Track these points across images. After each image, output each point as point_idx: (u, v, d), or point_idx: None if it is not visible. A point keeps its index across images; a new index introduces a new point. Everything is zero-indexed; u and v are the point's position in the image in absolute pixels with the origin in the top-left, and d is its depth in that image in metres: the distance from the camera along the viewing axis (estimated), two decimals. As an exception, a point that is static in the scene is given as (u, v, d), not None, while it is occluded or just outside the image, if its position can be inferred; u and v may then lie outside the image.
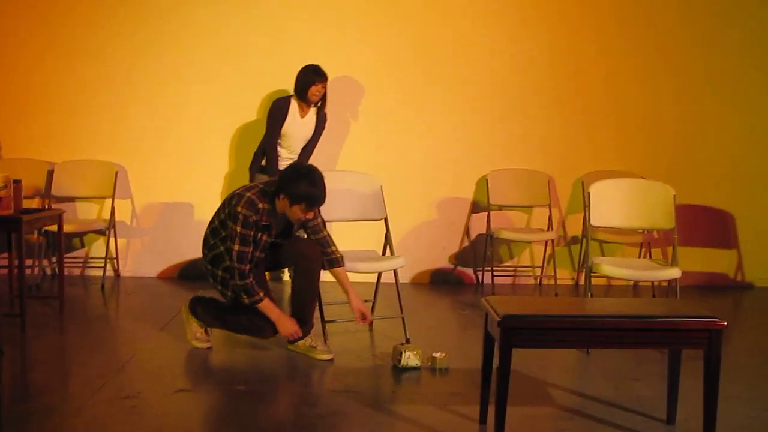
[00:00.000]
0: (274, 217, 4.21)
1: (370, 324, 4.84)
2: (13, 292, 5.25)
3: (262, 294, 4.19)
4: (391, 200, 5.35)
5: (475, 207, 6.76)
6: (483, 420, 3.38)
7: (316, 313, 4.51)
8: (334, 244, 4.42)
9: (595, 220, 4.82)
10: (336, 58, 6.33)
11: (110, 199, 6.42)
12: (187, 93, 6.54)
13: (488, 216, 6.56)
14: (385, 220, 5.10)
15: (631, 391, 3.90)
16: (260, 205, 4.12)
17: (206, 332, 4.51)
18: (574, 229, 6.82)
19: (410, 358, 4.17)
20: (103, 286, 6.24)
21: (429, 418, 3.45)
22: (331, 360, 4.30)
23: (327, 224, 4.48)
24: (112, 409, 3.47)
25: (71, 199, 6.59)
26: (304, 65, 5.87)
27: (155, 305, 5.67)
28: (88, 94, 6.54)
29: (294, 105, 5.93)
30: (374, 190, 5.11)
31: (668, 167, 6.60)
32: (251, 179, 6.02)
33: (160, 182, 6.62)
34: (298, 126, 5.96)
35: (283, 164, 5.98)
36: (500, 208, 6.72)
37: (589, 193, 4.82)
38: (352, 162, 6.56)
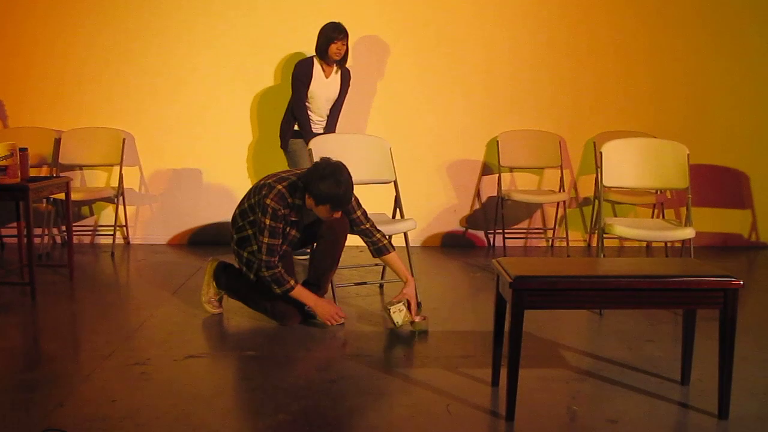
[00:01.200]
0: (303, 212, 4.14)
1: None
2: (23, 260, 5.25)
3: (292, 282, 4.10)
4: (401, 163, 5.30)
5: (486, 169, 6.71)
6: (495, 382, 3.36)
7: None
8: (378, 232, 4.32)
9: (608, 180, 4.75)
10: (345, 21, 6.23)
11: (118, 167, 6.40)
12: (193, 58, 6.48)
13: (499, 178, 6.50)
14: (395, 182, 5.05)
15: (644, 352, 3.86)
16: (290, 200, 4.03)
17: (221, 300, 4.49)
18: (586, 190, 6.76)
19: (396, 313, 4.12)
20: (112, 254, 6.24)
21: (441, 381, 3.42)
22: (342, 324, 4.27)
23: None
24: (121, 376, 3.46)
25: (79, 167, 6.56)
26: (324, 23, 5.78)
27: (165, 272, 5.65)
28: (94, 61, 6.49)
29: (317, 66, 5.83)
30: (383, 153, 5.05)
31: (681, 127, 6.53)
32: (284, 146, 5.94)
33: (168, 148, 6.58)
34: (323, 87, 5.87)
35: (313, 128, 5.90)
36: (511, 169, 6.67)
37: (601, 153, 4.74)
38: (361, 125, 6.52)
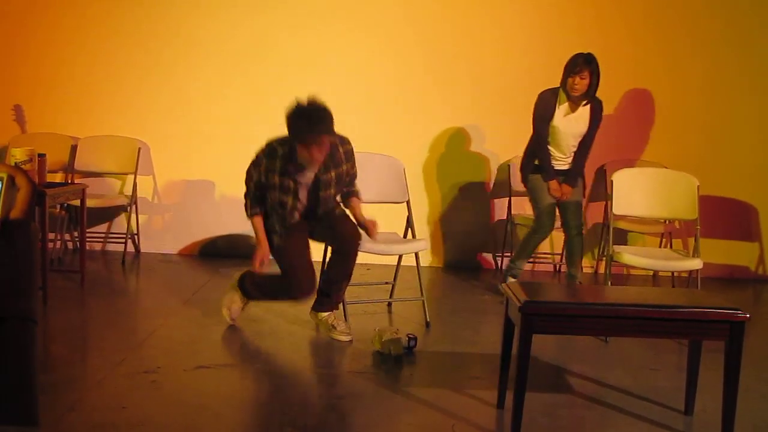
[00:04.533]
0: (296, 164, 4.21)
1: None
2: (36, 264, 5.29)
3: (257, 209, 4.29)
4: (414, 183, 5.33)
5: (497, 192, 6.74)
6: (501, 404, 3.39)
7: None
8: (354, 185, 4.51)
9: (618, 209, 4.80)
10: (367, 33, 6.29)
11: (132, 176, 6.45)
12: (210, 70, 6.54)
13: (509, 201, 6.54)
14: (408, 202, 5.10)
15: (649, 381, 3.89)
16: (280, 150, 4.16)
17: (240, 310, 4.51)
18: (595, 217, 6.78)
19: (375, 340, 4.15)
20: (123, 262, 6.28)
21: (447, 401, 3.46)
22: (351, 341, 4.31)
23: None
24: (132, 383, 3.51)
25: (94, 175, 6.62)
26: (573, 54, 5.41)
27: (176, 282, 5.70)
28: (113, 70, 6.56)
29: (562, 98, 5.33)
30: (397, 173, 5.10)
31: (691, 157, 6.51)
32: (524, 180, 5.56)
33: (182, 159, 6.64)
34: (566, 122, 5.32)
35: (554, 163, 5.40)
36: (522, 194, 6.69)
37: (612, 182, 4.79)
38: (376, 144, 6.54)
